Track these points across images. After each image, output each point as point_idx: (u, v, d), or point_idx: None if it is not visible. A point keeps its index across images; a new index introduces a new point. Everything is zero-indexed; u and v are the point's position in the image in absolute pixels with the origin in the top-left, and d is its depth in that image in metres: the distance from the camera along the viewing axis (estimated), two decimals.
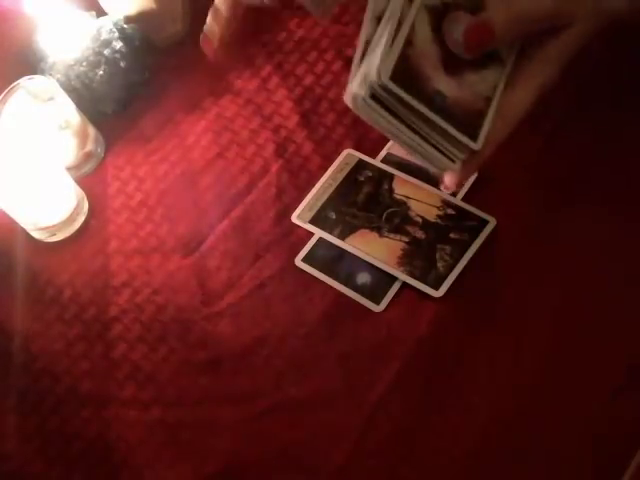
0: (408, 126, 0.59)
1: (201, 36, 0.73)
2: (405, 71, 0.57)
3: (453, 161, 0.60)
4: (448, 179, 0.62)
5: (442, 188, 0.64)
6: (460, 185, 0.64)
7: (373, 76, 0.56)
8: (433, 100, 0.58)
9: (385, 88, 0.56)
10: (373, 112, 0.58)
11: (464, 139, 0.59)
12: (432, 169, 0.62)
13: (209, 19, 0.72)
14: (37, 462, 0.72)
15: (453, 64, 0.59)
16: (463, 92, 0.59)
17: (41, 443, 0.72)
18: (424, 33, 0.58)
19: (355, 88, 0.58)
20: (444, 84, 0.58)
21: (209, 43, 0.73)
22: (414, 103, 0.57)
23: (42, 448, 0.72)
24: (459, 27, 0.59)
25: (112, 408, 0.73)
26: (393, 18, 0.58)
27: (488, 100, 0.60)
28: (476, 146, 0.59)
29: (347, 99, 0.60)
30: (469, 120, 0.59)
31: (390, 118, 0.58)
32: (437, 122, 0.58)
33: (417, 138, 0.59)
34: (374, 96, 0.57)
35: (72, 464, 0.71)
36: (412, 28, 0.58)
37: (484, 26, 0.59)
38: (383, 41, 0.57)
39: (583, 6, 0.60)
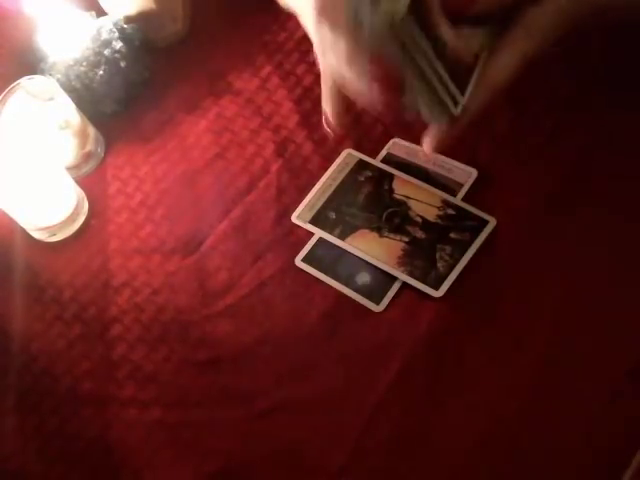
0: (413, 65, 0.58)
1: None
2: (419, 9, 0.56)
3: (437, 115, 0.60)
4: (426, 143, 0.62)
5: (421, 154, 0.63)
6: (437, 150, 0.63)
7: (395, 9, 0.55)
8: (436, 45, 0.57)
9: (403, 20, 0.56)
10: (386, 42, 0.57)
11: (454, 91, 0.58)
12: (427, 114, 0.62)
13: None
14: (37, 462, 0.72)
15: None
16: (459, 43, 0.59)
17: (41, 443, 0.72)
18: None
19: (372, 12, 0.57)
20: (446, 32, 0.58)
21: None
22: (423, 43, 0.56)
23: (42, 448, 0.72)
24: None
25: (112, 408, 0.73)
26: None
27: (476, 57, 0.60)
28: (462, 100, 0.59)
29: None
30: (460, 73, 0.59)
31: (400, 53, 0.57)
32: (437, 68, 0.57)
33: (419, 79, 0.59)
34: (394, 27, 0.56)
35: (72, 464, 0.71)
36: None
37: None
38: None
39: None
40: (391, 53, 0.58)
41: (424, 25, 0.57)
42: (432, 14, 0.57)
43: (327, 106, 0.71)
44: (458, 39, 0.58)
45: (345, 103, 0.69)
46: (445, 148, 0.63)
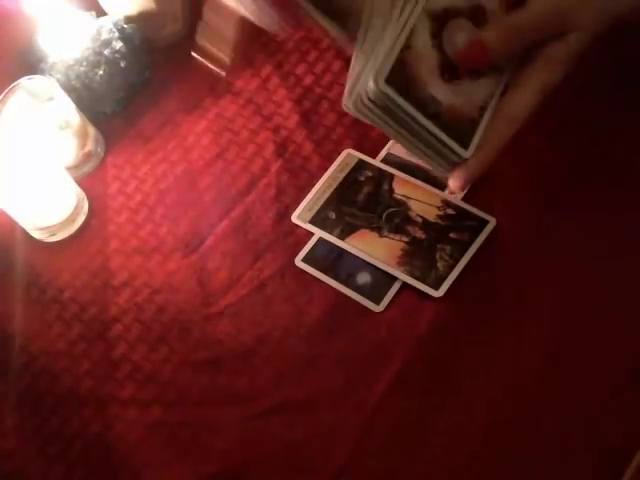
0: (404, 128, 0.59)
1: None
2: (401, 75, 0.57)
3: (445, 166, 0.61)
4: (452, 183, 0.62)
5: (448, 192, 0.64)
6: (464, 188, 0.64)
7: (369, 79, 0.56)
8: (427, 106, 0.58)
9: (381, 92, 0.56)
10: (371, 114, 0.58)
11: (455, 146, 0.59)
12: (432, 169, 0.62)
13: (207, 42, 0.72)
14: (37, 462, 0.72)
15: (450, 71, 0.59)
16: (458, 100, 0.59)
17: (41, 443, 0.72)
18: (424, 38, 0.58)
19: (352, 91, 0.58)
20: (439, 90, 0.58)
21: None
22: (407, 108, 0.57)
23: (42, 448, 0.72)
24: (459, 35, 0.59)
25: (112, 408, 0.73)
26: (394, 21, 0.58)
27: (482, 109, 0.60)
28: (466, 154, 0.59)
29: (345, 102, 0.60)
30: (462, 128, 0.59)
31: (387, 119, 0.58)
32: (429, 128, 0.58)
33: (414, 140, 0.59)
34: (371, 99, 0.57)
35: (72, 464, 0.71)
36: (412, 32, 0.58)
37: (478, 46, 0.59)
38: (382, 45, 0.57)
39: (585, 15, 0.59)
40: (375, 120, 0.58)
41: (410, 87, 0.57)
42: (419, 77, 0.57)
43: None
44: (455, 96, 0.59)
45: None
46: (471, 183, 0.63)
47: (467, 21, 0.60)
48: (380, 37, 0.58)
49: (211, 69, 0.84)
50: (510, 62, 0.61)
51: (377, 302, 0.72)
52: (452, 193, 0.64)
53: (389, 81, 0.56)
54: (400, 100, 0.57)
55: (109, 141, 0.88)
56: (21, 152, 0.76)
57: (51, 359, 0.76)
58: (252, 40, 0.86)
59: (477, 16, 0.60)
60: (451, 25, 0.59)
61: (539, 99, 0.60)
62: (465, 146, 0.59)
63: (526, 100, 0.60)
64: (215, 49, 0.82)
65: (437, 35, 0.59)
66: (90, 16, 0.88)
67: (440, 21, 0.59)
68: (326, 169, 0.80)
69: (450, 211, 0.75)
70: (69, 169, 0.83)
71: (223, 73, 0.85)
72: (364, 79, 0.57)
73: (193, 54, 0.84)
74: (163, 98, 0.89)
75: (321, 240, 0.76)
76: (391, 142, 0.80)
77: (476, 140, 0.59)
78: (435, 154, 0.60)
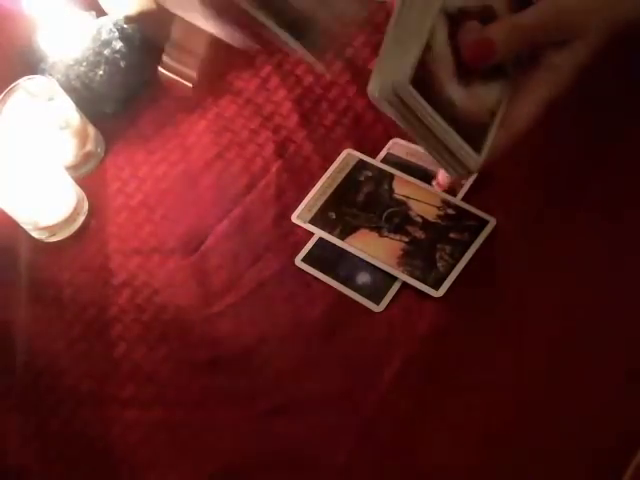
0: (424, 128, 0.58)
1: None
2: (423, 76, 0.56)
3: (455, 169, 0.61)
4: (442, 178, 0.62)
5: (434, 184, 0.65)
6: (451, 187, 0.64)
7: (396, 78, 0.56)
8: (446, 109, 0.57)
9: (405, 92, 0.56)
10: (391, 108, 0.57)
11: (469, 150, 0.59)
12: (446, 170, 0.62)
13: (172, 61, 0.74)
14: (37, 462, 0.72)
15: (465, 73, 0.59)
16: (471, 103, 0.59)
17: (41, 443, 0.72)
18: (441, 39, 0.58)
19: (378, 84, 0.57)
20: (455, 93, 0.58)
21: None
22: (429, 109, 0.56)
23: (42, 448, 0.72)
24: (470, 36, 0.59)
25: (112, 408, 0.73)
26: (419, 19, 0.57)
27: (493, 114, 0.60)
28: (480, 159, 0.59)
29: (372, 92, 0.58)
30: (475, 132, 0.59)
31: (408, 117, 0.57)
32: (447, 131, 0.58)
33: (432, 141, 0.59)
34: (396, 95, 0.56)
35: (72, 464, 0.71)
36: (431, 33, 0.57)
37: (485, 42, 0.59)
38: (410, 41, 0.56)
39: (591, 22, 0.59)
40: (397, 117, 0.58)
41: (430, 88, 0.57)
42: (437, 78, 0.57)
43: None
44: (469, 99, 0.59)
45: None
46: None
47: (478, 24, 0.59)
48: (412, 29, 0.57)
49: (178, 83, 0.85)
50: (517, 68, 0.61)
51: (377, 302, 0.72)
52: (439, 187, 0.64)
53: (413, 82, 0.55)
54: (422, 101, 0.56)
55: (109, 141, 0.88)
56: (21, 152, 0.77)
57: (51, 359, 0.76)
58: (221, 56, 0.86)
59: (487, 16, 0.60)
60: (465, 27, 0.59)
61: (541, 110, 0.60)
62: (478, 150, 0.59)
63: (528, 110, 0.60)
64: (182, 65, 0.84)
65: (453, 36, 0.58)
66: (90, 16, 0.88)
67: (456, 22, 0.59)
68: (326, 169, 0.80)
69: (450, 211, 0.75)
70: (69, 169, 0.83)
71: (190, 85, 0.85)
72: (390, 73, 0.56)
73: (160, 69, 0.85)
74: (163, 98, 0.89)
75: (321, 240, 0.76)
76: (391, 142, 0.80)
77: (488, 144, 0.59)
78: (449, 156, 0.60)
